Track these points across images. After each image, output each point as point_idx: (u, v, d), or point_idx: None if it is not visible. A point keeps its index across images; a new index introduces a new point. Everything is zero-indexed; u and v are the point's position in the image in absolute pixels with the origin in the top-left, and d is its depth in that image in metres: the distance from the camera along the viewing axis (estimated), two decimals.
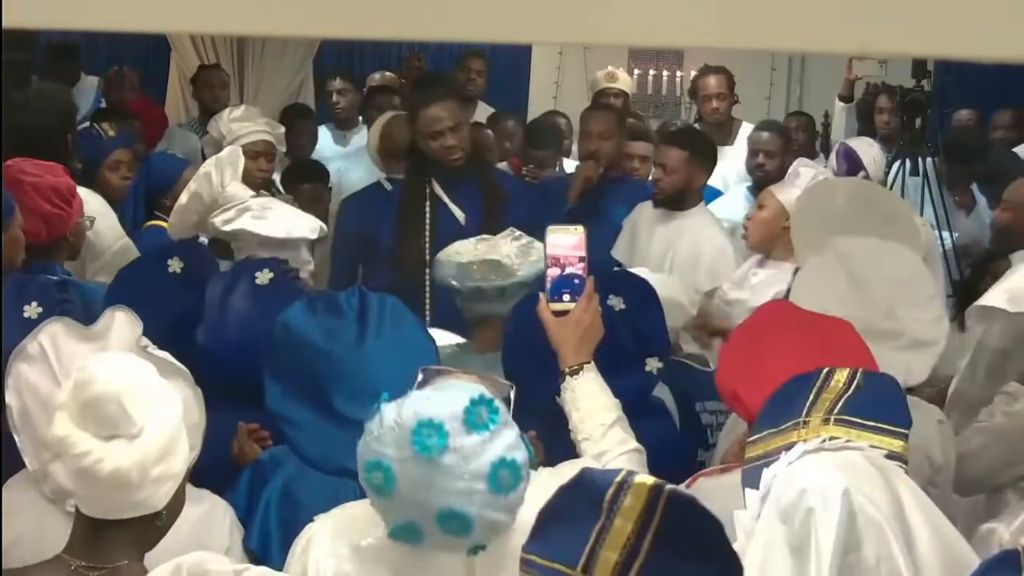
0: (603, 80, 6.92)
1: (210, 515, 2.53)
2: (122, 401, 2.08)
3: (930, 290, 3.10)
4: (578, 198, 5.09)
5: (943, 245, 5.49)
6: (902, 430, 2.21)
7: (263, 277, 3.08)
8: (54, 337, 2.53)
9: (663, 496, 1.60)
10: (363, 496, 2.18)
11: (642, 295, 3.04)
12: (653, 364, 2.99)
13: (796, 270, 3.85)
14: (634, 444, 2.48)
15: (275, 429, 2.82)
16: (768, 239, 4.37)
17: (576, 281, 2.52)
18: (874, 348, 2.76)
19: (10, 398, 2.47)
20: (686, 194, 4.78)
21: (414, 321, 2.81)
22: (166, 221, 4.36)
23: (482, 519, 2.01)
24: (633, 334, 2.97)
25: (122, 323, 2.57)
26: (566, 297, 2.52)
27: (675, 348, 3.54)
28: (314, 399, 2.69)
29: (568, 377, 2.51)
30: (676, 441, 3.13)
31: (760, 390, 2.36)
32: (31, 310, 2.84)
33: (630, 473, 1.66)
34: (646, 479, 1.63)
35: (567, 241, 2.55)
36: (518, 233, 3.42)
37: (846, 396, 2.23)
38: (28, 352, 2.50)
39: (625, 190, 5.25)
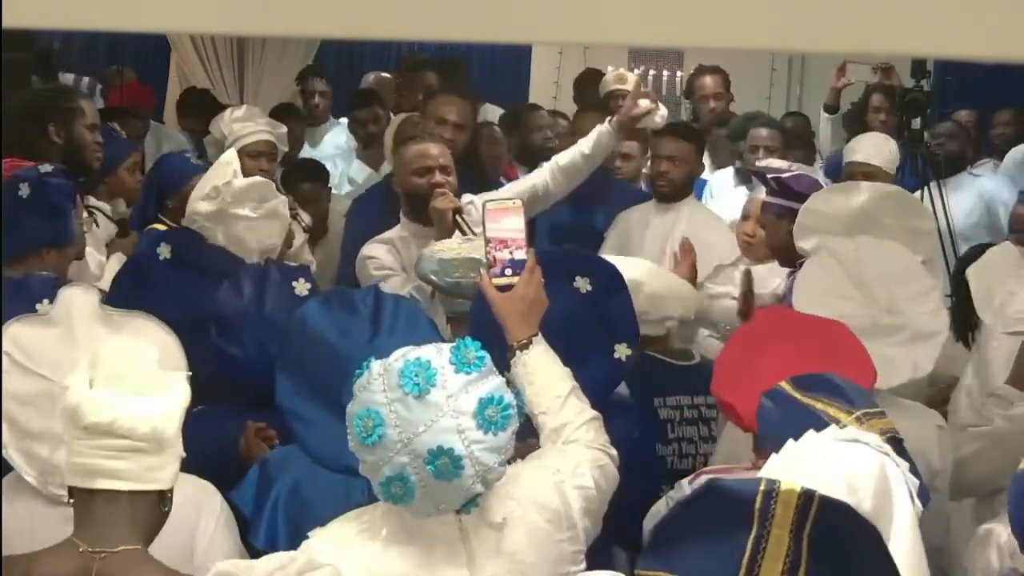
0: (613, 82, 6.88)
1: (196, 498, 2.50)
2: (154, 362, 2.18)
3: (927, 282, 3.11)
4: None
5: (942, 244, 5.47)
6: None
7: (301, 287, 3.06)
8: (15, 338, 2.49)
9: (814, 503, 1.56)
10: (372, 496, 2.19)
11: (609, 277, 3.00)
12: (622, 351, 2.93)
13: (791, 271, 3.85)
14: (591, 412, 2.47)
15: (283, 427, 2.82)
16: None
17: (518, 255, 2.53)
18: (879, 345, 2.77)
19: None
20: (689, 185, 4.91)
21: (427, 322, 2.81)
22: (166, 224, 4.35)
23: (472, 459, 2.05)
24: (600, 317, 2.92)
25: (79, 297, 2.57)
26: (508, 271, 2.52)
27: (667, 339, 3.51)
28: (324, 396, 2.68)
29: (518, 352, 2.48)
30: (642, 438, 3.04)
31: (755, 400, 2.36)
32: (43, 308, 2.83)
33: (771, 481, 1.61)
34: (792, 485, 1.58)
35: (506, 216, 2.55)
36: None
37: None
38: None
39: (612, 192, 5.27)
